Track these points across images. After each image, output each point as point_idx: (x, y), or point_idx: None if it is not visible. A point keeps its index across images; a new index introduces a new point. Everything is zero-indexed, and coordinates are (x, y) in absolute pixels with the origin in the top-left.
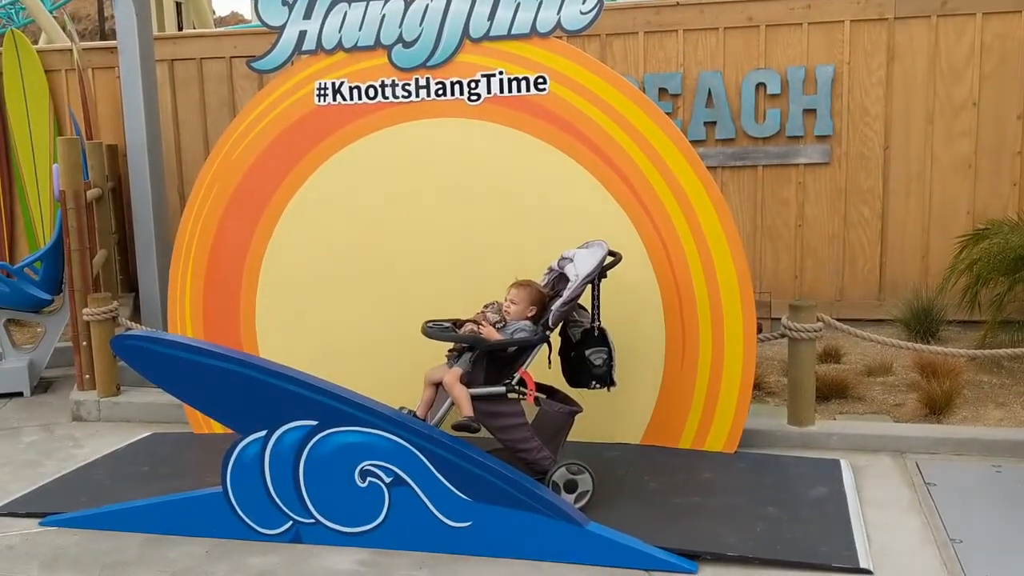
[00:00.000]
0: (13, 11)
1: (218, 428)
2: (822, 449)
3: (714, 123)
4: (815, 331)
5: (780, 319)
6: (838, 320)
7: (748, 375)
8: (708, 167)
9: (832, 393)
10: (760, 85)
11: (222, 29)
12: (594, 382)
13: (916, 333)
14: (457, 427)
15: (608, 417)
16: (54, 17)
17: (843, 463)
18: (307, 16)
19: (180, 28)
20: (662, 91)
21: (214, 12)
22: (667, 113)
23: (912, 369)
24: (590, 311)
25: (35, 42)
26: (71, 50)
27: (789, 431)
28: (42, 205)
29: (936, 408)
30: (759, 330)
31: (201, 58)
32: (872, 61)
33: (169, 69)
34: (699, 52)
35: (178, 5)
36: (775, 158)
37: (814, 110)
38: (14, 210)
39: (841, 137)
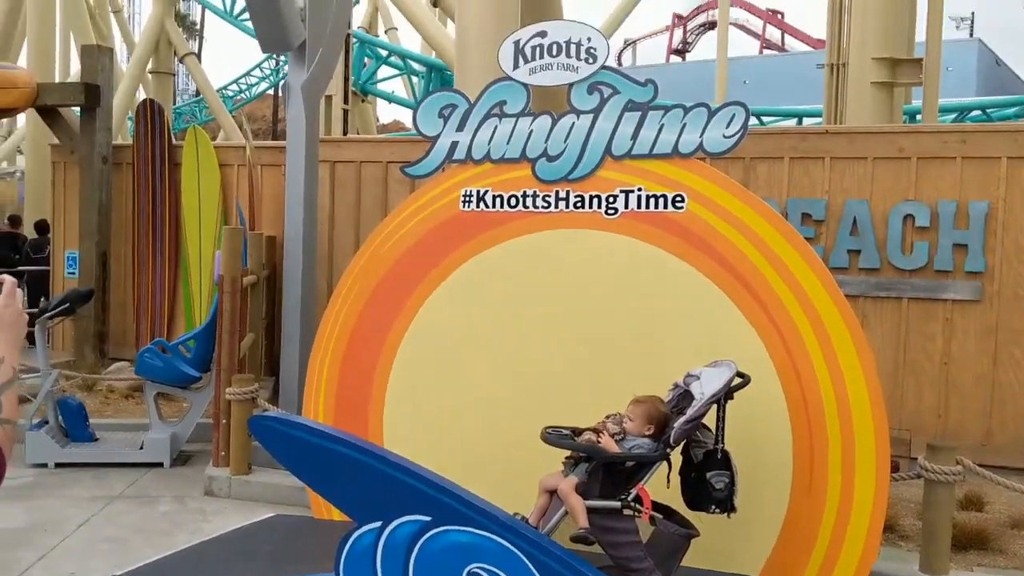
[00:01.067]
0: (197, 108)
1: (337, 515)
2: None
3: (858, 252)
4: (954, 474)
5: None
6: (983, 466)
7: (879, 514)
8: (849, 295)
9: (971, 543)
10: (908, 217)
11: (381, 136)
12: (714, 506)
13: None
14: (575, 539)
15: (726, 544)
16: (232, 116)
17: None
18: (460, 128)
19: (345, 132)
20: (805, 216)
21: (378, 119)
22: (808, 238)
23: None
24: (714, 432)
25: (214, 138)
26: (244, 147)
27: None
28: (203, 287)
29: None
30: (895, 469)
31: (361, 161)
32: None
33: (331, 169)
34: (845, 180)
35: (345, 112)
36: (921, 291)
37: (965, 245)
38: (176, 290)
39: (994, 274)
